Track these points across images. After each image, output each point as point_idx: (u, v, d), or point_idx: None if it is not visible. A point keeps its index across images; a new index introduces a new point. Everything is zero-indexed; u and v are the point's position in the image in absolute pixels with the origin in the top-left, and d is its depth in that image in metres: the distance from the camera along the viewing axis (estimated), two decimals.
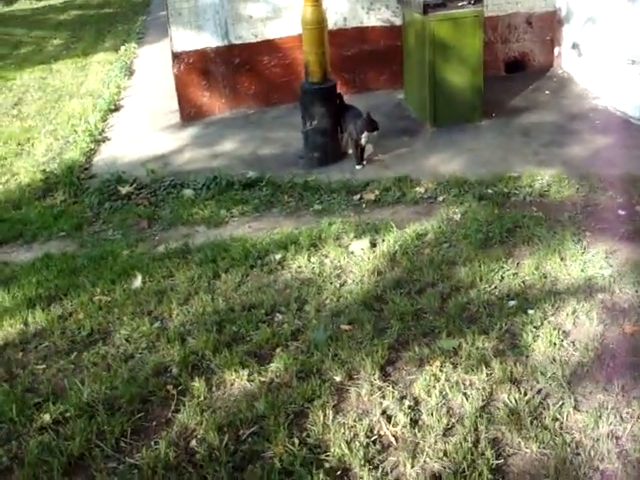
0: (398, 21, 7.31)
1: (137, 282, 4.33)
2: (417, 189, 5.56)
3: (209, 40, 7.10)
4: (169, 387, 3.42)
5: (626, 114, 6.54)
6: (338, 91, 6.04)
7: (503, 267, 4.29)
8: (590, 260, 4.28)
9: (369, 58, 7.46)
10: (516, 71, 7.87)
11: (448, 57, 6.28)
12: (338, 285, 4.24)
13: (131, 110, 8.18)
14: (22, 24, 15.68)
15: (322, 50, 5.77)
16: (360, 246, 4.67)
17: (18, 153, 7.26)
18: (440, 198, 5.39)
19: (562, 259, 4.32)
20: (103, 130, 7.52)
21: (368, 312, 3.91)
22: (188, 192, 5.76)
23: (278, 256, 4.59)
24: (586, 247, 4.43)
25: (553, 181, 5.42)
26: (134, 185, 5.91)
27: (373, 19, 7.38)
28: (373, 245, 4.68)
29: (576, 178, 5.41)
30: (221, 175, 5.84)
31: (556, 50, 7.88)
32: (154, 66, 10.08)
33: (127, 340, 3.83)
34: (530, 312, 3.86)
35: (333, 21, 7.23)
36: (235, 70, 7.23)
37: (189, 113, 7.30)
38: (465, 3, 6.17)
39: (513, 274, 4.23)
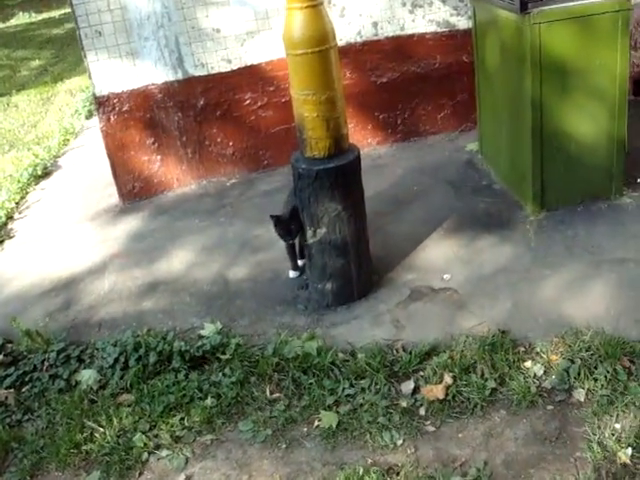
0: (464, 23, 4.49)
1: None
2: (528, 365, 2.79)
3: (152, 72, 4.31)
4: None
5: None
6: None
7: None
8: None
9: (418, 84, 4.63)
10: None
11: (567, 88, 3.43)
12: None
13: (65, 177, 5.46)
14: (9, 43, 13.36)
15: (330, 94, 2.96)
16: None
17: None
18: (579, 393, 2.64)
19: None
20: (11, 217, 4.85)
21: None
22: (88, 376, 3.03)
23: None
24: None
25: None
26: (1, 355, 3.22)
27: (422, 22, 4.53)
28: None
29: None
30: (149, 341, 3.09)
31: None
32: None
33: None
34: None
35: (356, 29, 4.43)
36: (200, 118, 4.45)
37: (131, 190, 4.54)
38: None
39: None
